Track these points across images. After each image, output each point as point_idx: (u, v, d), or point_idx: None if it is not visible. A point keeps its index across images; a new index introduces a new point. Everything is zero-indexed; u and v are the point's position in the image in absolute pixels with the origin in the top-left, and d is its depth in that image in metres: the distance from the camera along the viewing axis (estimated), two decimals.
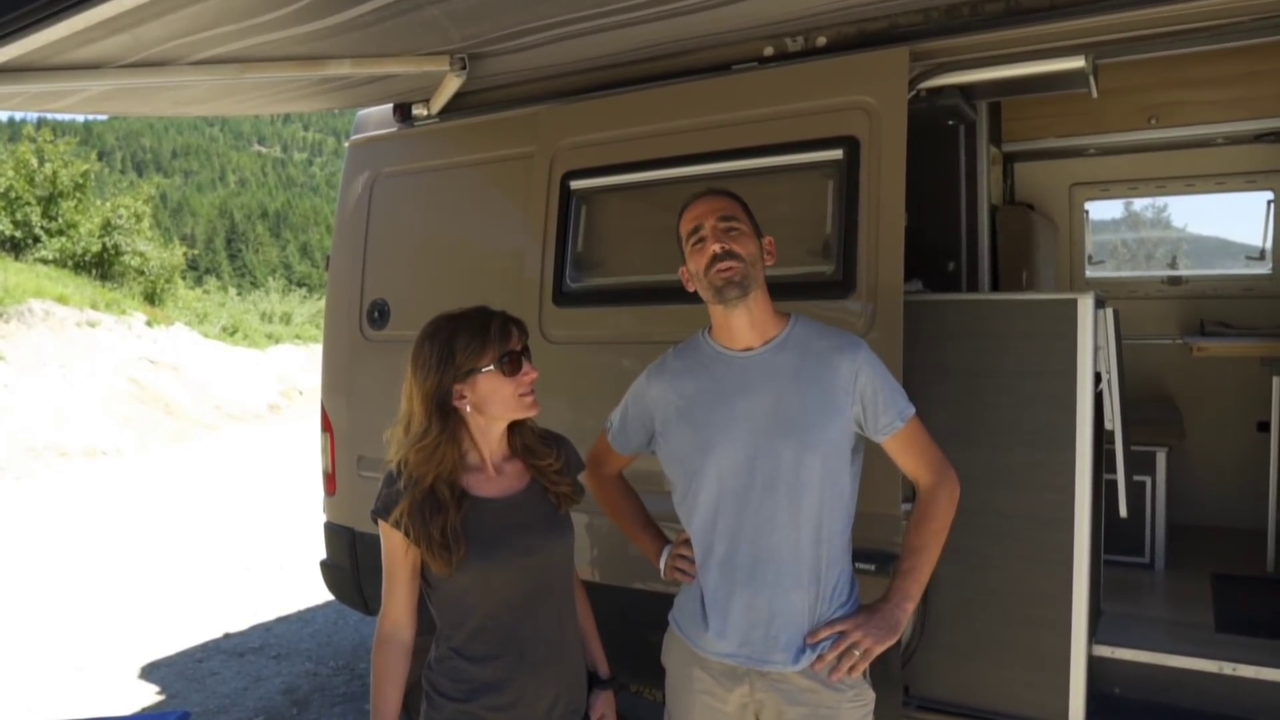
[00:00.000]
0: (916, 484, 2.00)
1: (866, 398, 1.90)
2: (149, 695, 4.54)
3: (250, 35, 2.47)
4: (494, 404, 1.85)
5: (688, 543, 2.02)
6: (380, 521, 1.85)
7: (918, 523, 1.96)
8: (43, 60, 2.32)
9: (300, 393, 17.00)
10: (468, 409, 1.84)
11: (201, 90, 3.01)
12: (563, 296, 3.13)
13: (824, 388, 1.89)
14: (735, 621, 1.90)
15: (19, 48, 2.03)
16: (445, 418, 1.82)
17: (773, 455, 1.87)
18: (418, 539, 1.78)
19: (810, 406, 1.88)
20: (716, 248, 1.86)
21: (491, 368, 1.83)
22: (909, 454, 1.97)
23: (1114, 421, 2.62)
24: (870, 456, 2.02)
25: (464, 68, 3.09)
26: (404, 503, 1.80)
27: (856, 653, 1.84)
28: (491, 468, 1.91)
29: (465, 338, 1.83)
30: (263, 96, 3.29)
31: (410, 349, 1.89)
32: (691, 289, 1.96)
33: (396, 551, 1.85)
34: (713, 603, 1.93)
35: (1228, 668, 2.61)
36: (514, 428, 1.94)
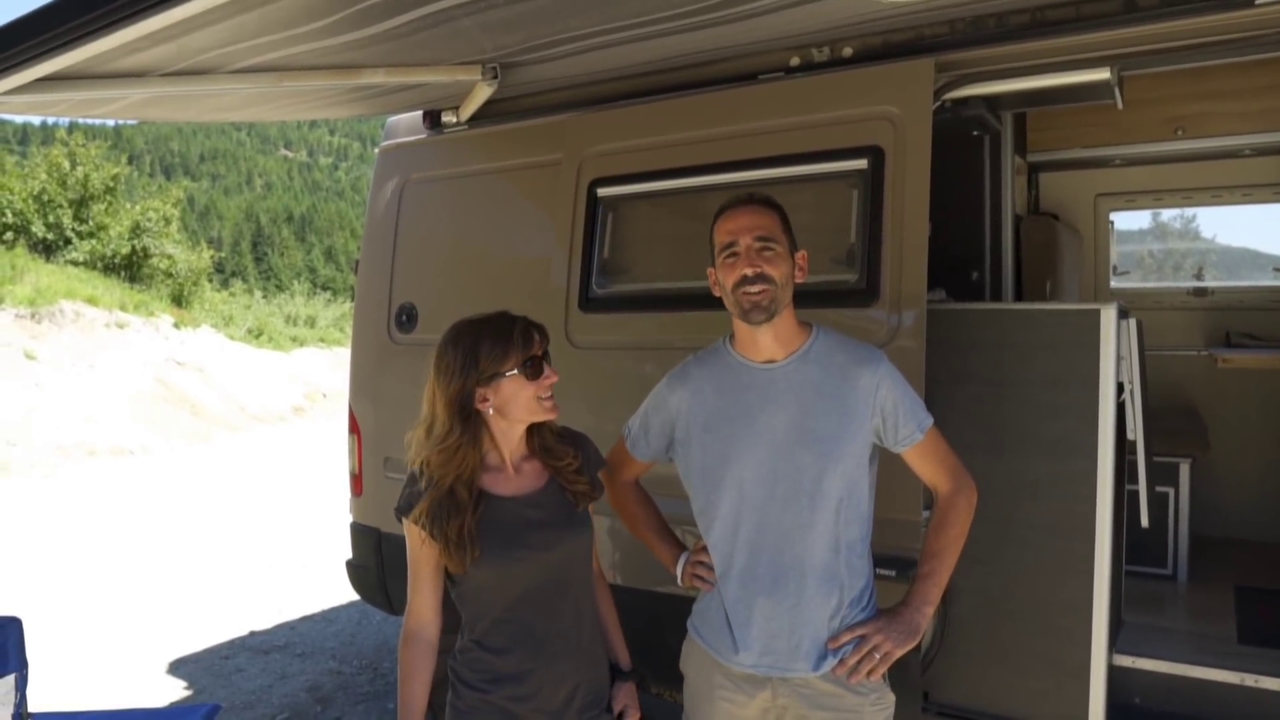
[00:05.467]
0: (935, 492, 2.02)
1: (887, 410, 1.92)
2: (177, 690, 4.61)
3: (289, 45, 2.53)
4: (515, 407, 1.89)
5: (706, 549, 2.03)
6: (404, 520, 1.89)
7: (936, 529, 1.98)
8: (89, 69, 2.38)
9: (324, 395, 17.18)
10: (490, 412, 1.88)
11: (239, 97, 3.08)
12: (589, 302, 3.17)
13: (845, 401, 1.91)
14: (757, 632, 1.91)
15: (69, 58, 2.10)
16: (467, 420, 1.86)
17: (795, 467, 1.89)
18: (435, 538, 1.83)
19: (832, 419, 1.90)
20: (749, 270, 1.85)
21: (515, 372, 1.86)
22: (927, 463, 1.99)
23: (1136, 432, 2.62)
24: (892, 464, 2.04)
25: (495, 77, 3.14)
26: (424, 502, 1.85)
27: (877, 656, 1.87)
28: (511, 467, 1.94)
29: (489, 343, 1.87)
30: (298, 103, 3.35)
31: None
32: (717, 294, 1.97)
33: (420, 549, 1.89)
34: (734, 614, 1.94)
35: (1249, 679, 2.60)
36: (533, 428, 1.97)
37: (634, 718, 2.07)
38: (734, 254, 1.88)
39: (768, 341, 1.93)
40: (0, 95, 2.38)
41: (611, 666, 2.08)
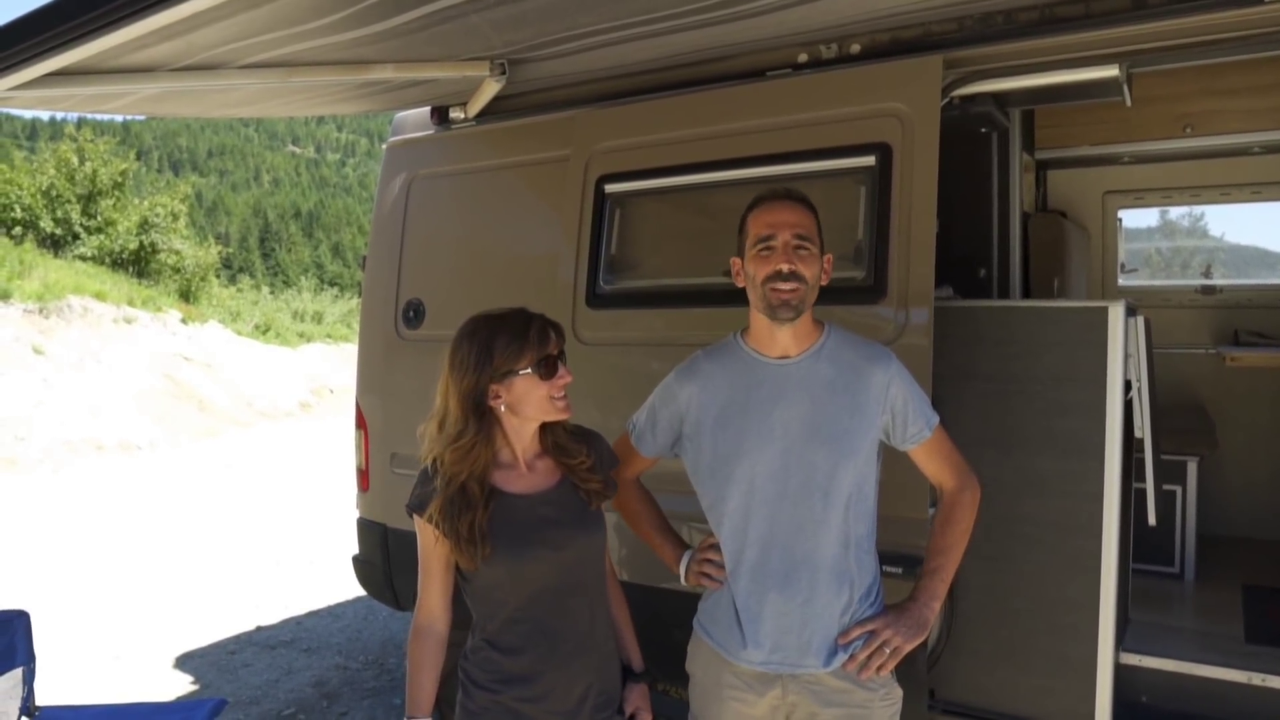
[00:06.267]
0: (940, 489, 2.03)
1: (897, 408, 1.93)
2: (184, 684, 4.63)
3: (298, 40, 2.53)
4: (528, 405, 1.88)
5: (713, 547, 2.03)
6: (415, 516, 1.89)
7: (942, 525, 1.99)
8: (98, 64, 2.39)
9: (331, 391, 17.20)
10: (502, 409, 1.88)
11: (248, 93, 3.09)
12: (596, 298, 3.17)
13: (857, 398, 1.91)
14: (768, 628, 1.91)
15: (78, 54, 2.11)
16: (480, 417, 1.86)
17: (807, 463, 1.89)
18: (447, 535, 1.83)
19: (844, 416, 1.90)
20: (784, 266, 1.84)
21: (529, 370, 1.86)
22: (934, 460, 2.01)
23: (1144, 430, 2.61)
24: (898, 462, 2.04)
25: (503, 73, 3.14)
26: (437, 499, 1.84)
27: (887, 650, 1.87)
28: (524, 465, 1.94)
29: (504, 339, 1.86)
30: (306, 99, 3.36)
31: (446, 347, 1.93)
32: (740, 284, 1.96)
33: (431, 545, 1.89)
34: (745, 610, 1.94)
35: (1257, 678, 2.59)
36: (546, 426, 1.96)
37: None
38: (770, 248, 1.87)
39: (786, 338, 1.93)
40: (9, 90, 2.39)
41: (623, 667, 2.07)
